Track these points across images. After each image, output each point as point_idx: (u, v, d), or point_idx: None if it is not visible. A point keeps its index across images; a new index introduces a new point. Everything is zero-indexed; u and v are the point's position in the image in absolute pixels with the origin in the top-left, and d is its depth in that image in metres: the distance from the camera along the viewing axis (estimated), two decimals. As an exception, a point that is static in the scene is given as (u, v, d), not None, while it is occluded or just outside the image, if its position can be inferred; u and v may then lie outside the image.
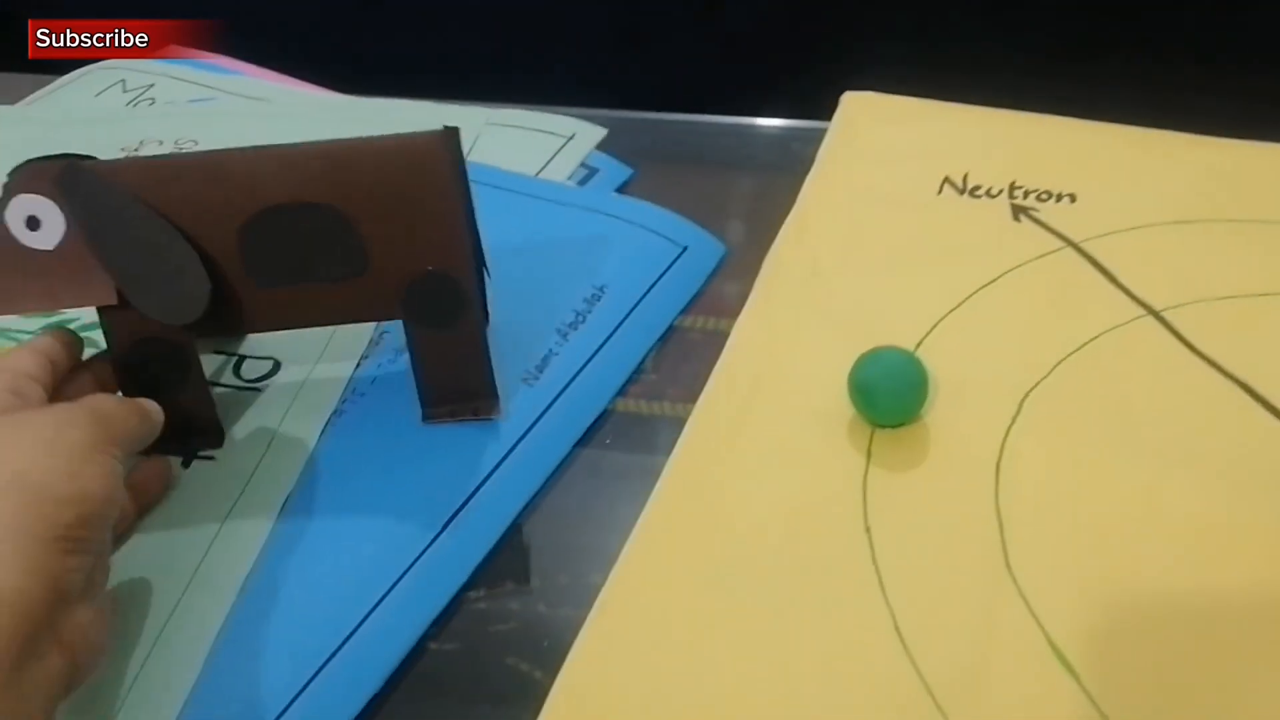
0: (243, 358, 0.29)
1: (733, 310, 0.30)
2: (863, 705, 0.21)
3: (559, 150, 0.38)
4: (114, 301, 0.25)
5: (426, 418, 0.27)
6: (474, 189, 0.35)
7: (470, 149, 0.37)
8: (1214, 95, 0.36)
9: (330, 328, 0.29)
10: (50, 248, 0.24)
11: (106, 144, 0.38)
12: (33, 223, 0.24)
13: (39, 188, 0.24)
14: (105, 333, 0.25)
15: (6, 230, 0.24)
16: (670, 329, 0.31)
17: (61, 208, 0.24)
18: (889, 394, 0.25)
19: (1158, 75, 0.39)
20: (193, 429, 0.26)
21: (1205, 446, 0.25)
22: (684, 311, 0.31)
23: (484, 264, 0.28)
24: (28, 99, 0.44)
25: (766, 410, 0.27)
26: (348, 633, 0.23)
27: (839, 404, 0.26)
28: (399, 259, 0.26)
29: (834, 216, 0.33)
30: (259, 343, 0.29)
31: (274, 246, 0.25)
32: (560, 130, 0.39)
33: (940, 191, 0.34)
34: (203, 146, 0.37)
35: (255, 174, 0.25)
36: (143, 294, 0.24)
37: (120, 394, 0.25)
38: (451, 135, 0.26)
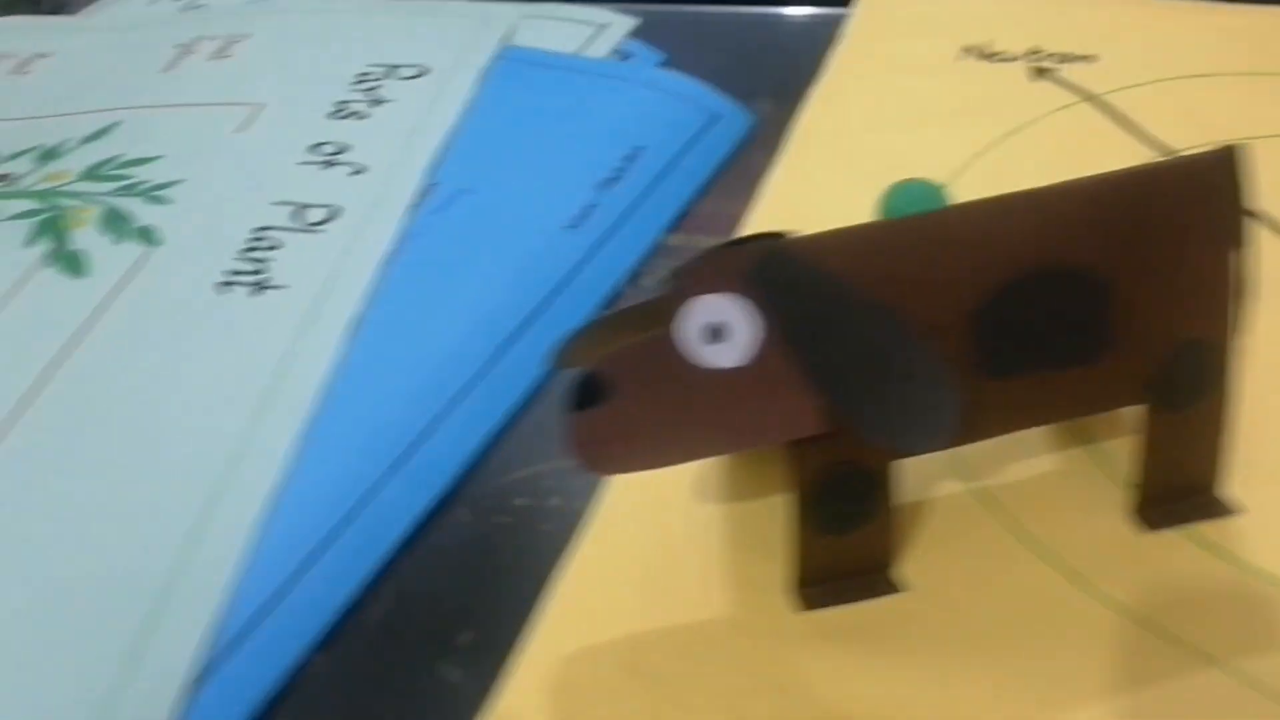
0: (304, 205, 0.31)
1: (758, 177, 0.32)
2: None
3: (593, 38, 0.40)
4: (821, 429, 0.18)
5: (1147, 522, 0.20)
6: (518, 69, 0.37)
7: (508, 40, 0.39)
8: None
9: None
10: (736, 365, 0.17)
11: (160, 45, 0.40)
12: (715, 333, 0.17)
13: (724, 284, 0.17)
14: (792, 462, 0.18)
15: (680, 347, 0.17)
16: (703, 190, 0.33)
17: (755, 309, 0.17)
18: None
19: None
20: (873, 566, 0.20)
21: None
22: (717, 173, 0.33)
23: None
24: (86, 9, 0.46)
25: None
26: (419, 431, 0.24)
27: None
28: (1151, 327, 0.19)
29: (859, 84, 0.35)
30: (323, 191, 0.31)
31: (1013, 326, 0.18)
32: (593, 20, 0.41)
33: (961, 58, 0.35)
34: (256, 41, 0.39)
35: (997, 235, 0.18)
36: (867, 415, 0.18)
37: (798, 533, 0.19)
38: (1232, 157, 0.19)
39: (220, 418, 0.24)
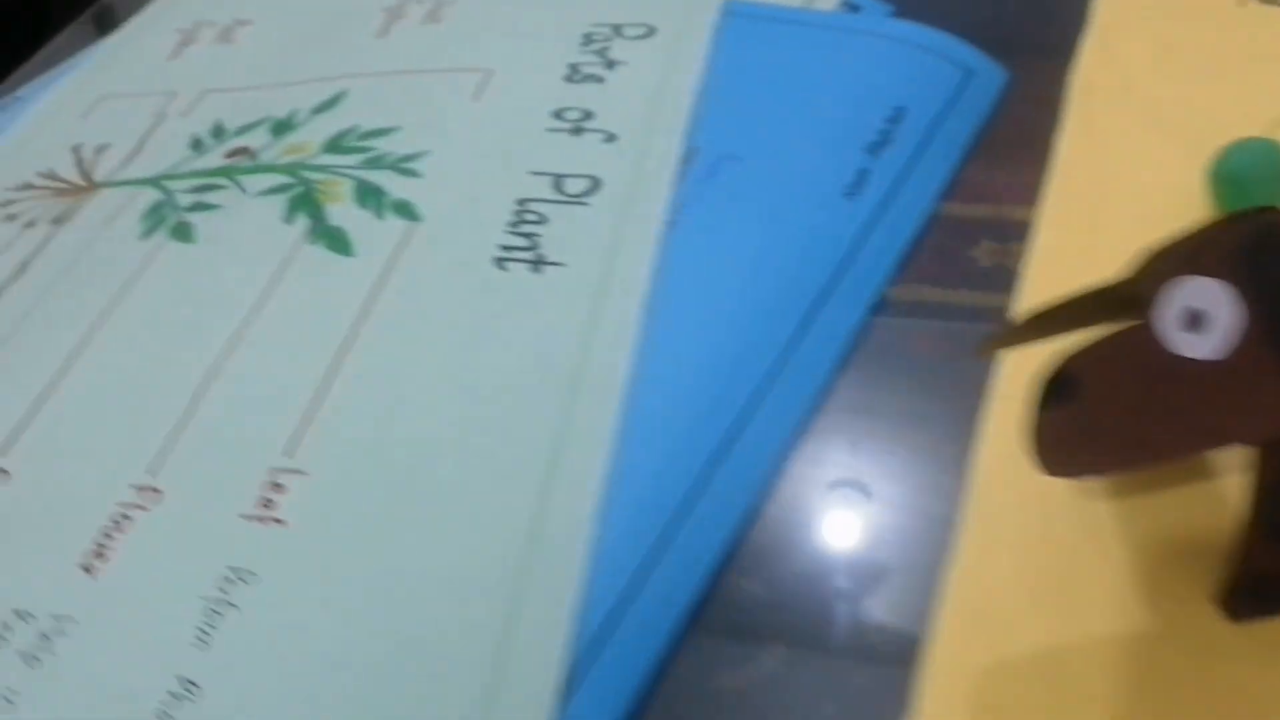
0: (561, 176, 0.29)
1: (1026, 140, 0.30)
2: None
3: (818, -11, 0.38)
4: None
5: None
6: (747, 25, 0.35)
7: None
8: None
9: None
10: (1211, 357, 0.15)
11: (366, 8, 0.39)
12: (1194, 321, 0.15)
13: (1211, 267, 0.15)
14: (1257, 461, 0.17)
15: (1159, 338, 0.15)
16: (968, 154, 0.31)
17: (1240, 295, 0.15)
18: (1260, 182, 0.25)
19: None
20: None
21: None
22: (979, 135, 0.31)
23: None
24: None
25: (1115, 236, 0.26)
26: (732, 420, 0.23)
27: (1193, 209, 0.25)
28: None
29: (1134, 34, 0.32)
30: (578, 160, 0.30)
31: None
32: (818, -31, 0.39)
33: (1242, 2, 0.32)
34: (464, 4, 0.38)
35: None
36: None
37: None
38: None
39: (532, 402, 0.23)
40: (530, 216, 0.28)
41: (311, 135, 0.32)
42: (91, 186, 0.32)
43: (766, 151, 0.30)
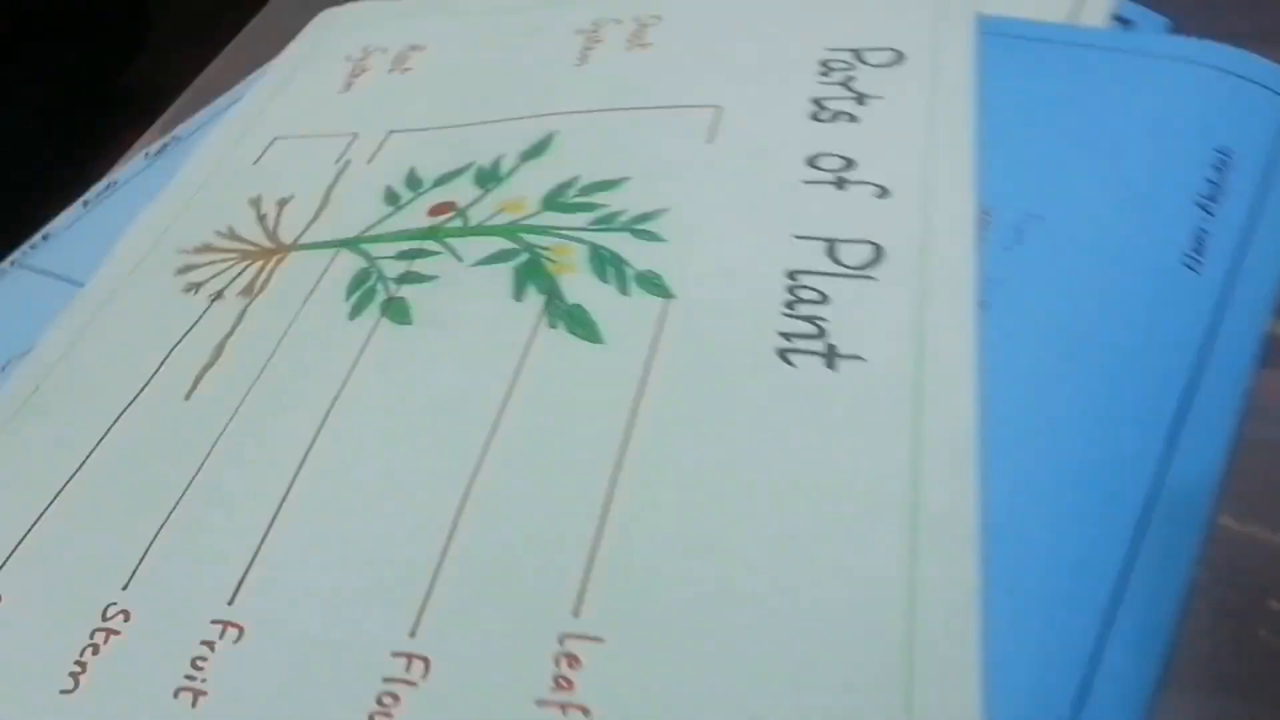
0: (834, 241, 0.25)
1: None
2: None
3: (1078, 3, 0.33)
4: None
5: None
6: (1006, 46, 0.31)
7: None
8: None
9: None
10: None
11: (558, 32, 0.35)
12: None
13: None
14: None
15: None
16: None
17: None
18: None
19: None
20: None
21: None
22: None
23: None
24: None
25: None
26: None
27: None
28: None
29: None
30: (849, 222, 0.25)
31: None
32: (1078, -22, 0.34)
33: None
34: (671, 25, 0.34)
35: None
36: None
37: None
38: None
39: (866, 546, 0.19)
40: (807, 294, 0.24)
41: (525, 188, 0.28)
42: (281, 249, 0.29)
43: (1074, 209, 0.25)
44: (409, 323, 0.25)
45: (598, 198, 0.28)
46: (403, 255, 0.27)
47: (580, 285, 0.25)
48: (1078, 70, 0.29)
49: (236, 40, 0.41)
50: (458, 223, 0.28)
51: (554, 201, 0.28)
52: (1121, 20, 0.32)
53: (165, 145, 0.35)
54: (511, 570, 0.20)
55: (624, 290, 0.25)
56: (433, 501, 0.21)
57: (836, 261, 0.25)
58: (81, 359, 0.27)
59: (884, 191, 0.26)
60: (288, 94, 0.36)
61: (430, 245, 0.27)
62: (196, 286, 0.28)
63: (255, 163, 0.33)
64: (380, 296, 0.26)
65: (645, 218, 0.27)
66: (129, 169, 0.35)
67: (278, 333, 0.26)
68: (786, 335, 0.23)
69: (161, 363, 0.26)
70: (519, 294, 0.25)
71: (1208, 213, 0.25)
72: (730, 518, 0.20)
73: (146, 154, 0.35)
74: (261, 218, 0.30)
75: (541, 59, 0.34)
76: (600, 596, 0.19)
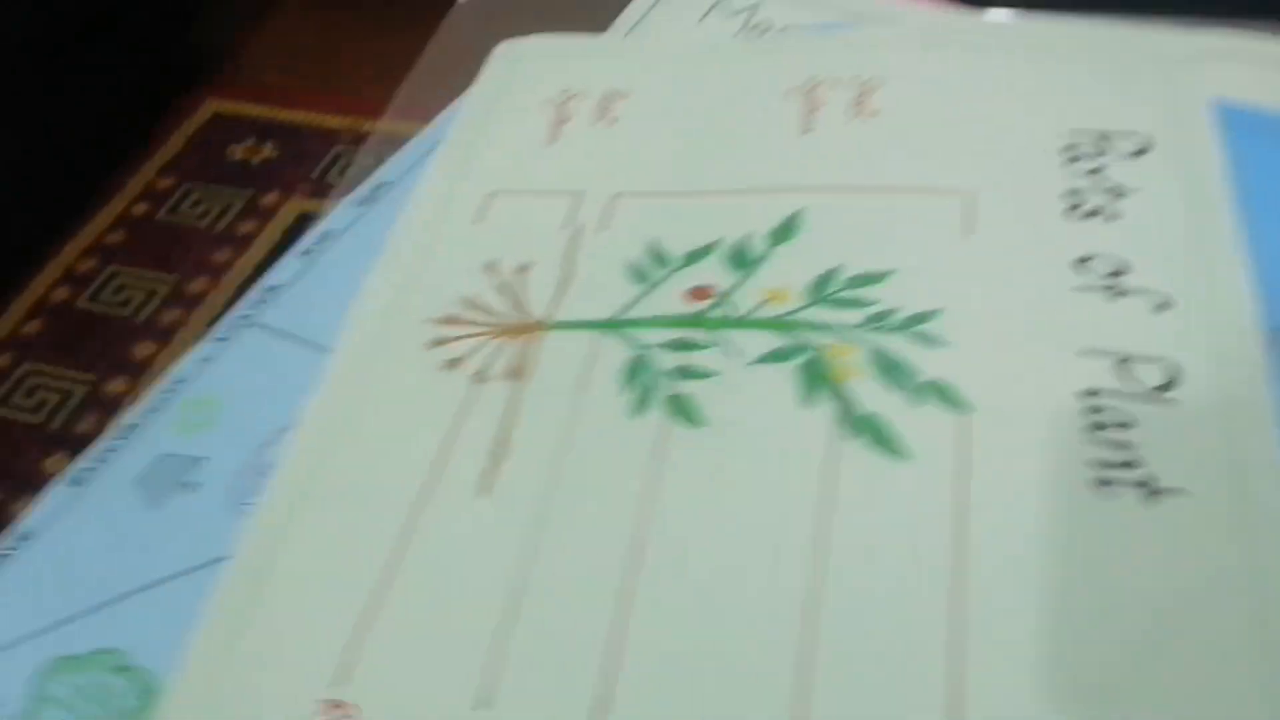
0: (1126, 359, 0.25)
1: None
2: None
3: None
4: None
5: None
6: (1243, 133, 0.31)
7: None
8: None
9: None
10: None
11: (770, 88, 0.34)
12: None
13: None
14: None
15: None
16: None
17: None
18: None
19: None
20: None
21: None
22: None
23: None
24: (615, 25, 0.40)
25: None
26: None
27: None
28: None
29: None
30: (1132, 336, 0.26)
31: None
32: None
33: None
34: (897, 89, 0.33)
35: None
36: None
37: None
38: None
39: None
40: (1111, 417, 0.24)
41: (784, 275, 0.28)
42: (535, 326, 0.29)
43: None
44: (701, 424, 0.26)
45: (865, 292, 0.28)
46: (672, 345, 0.27)
47: (868, 391, 0.26)
48: (1331, 169, 0.29)
49: (411, 74, 0.41)
50: (722, 311, 0.28)
51: (821, 294, 0.28)
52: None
53: (374, 191, 0.35)
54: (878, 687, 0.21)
55: (916, 399, 0.25)
56: (766, 639, 0.22)
57: (1135, 381, 0.25)
58: (353, 443, 0.27)
59: (1165, 303, 0.26)
60: (491, 141, 0.35)
61: (698, 336, 0.27)
62: (454, 363, 0.28)
63: (477, 221, 0.32)
64: (662, 392, 0.26)
65: (921, 318, 0.27)
66: (340, 215, 0.34)
67: (560, 426, 0.26)
68: (1100, 464, 0.23)
69: (444, 451, 0.26)
70: (808, 397, 0.26)
71: None
72: (1081, 645, 0.21)
73: (357, 200, 0.35)
74: (502, 287, 0.30)
75: (761, 122, 0.33)
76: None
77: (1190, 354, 0.25)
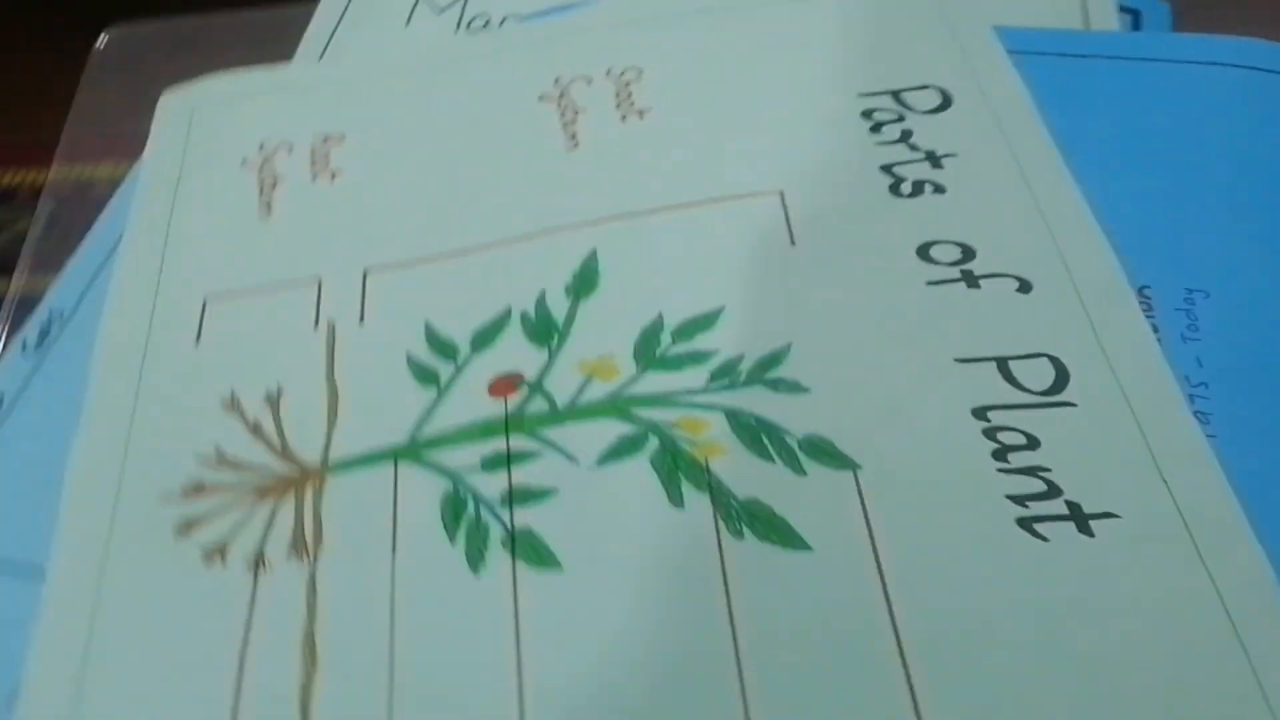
0: (1005, 359, 0.22)
1: None
2: None
3: (1079, 4, 0.31)
4: None
5: None
6: (1039, 67, 0.28)
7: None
8: None
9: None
10: None
11: (519, 101, 0.29)
12: None
13: None
14: None
15: None
16: None
17: None
18: None
19: None
20: None
21: None
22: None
23: None
24: (302, 49, 0.33)
25: None
26: None
27: None
28: None
29: None
30: (1005, 333, 0.22)
31: None
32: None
33: None
34: (649, 76, 0.29)
35: None
36: None
37: None
38: None
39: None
40: (1011, 437, 0.21)
41: (601, 340, 0.24)
42: (309, 473, 0.23)
43: (1232, 279, 0.23)
44: (557, 566, 0.21)
45: (698, 343, 0.23)
46: (490, 464, 0.22)
47: (739, 470, 0.21)
48: (1118, 86, 0.27)
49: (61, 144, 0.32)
50: (540, 404, 0.23)
51: (651, 357, 0.23)
52: (1128, 10, 0.31)
53: (44, 332, 0.27)
54: None
55: (796, 467, 0.21)
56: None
57: (1019, 387, 0.22)
58: (112, 698, 0.20)
59: (1025, 285, 0.23)
60: (186, 228, 0.28)
61: (520, 443, 0.22)
62: (219, 550, 0.22)
63: (197, 343, 0.25)
64: (494, 531, 0.21)
65: (771, 362, 0.23)
66: (6, 370, 0.26)
67: (380, 615, 0.20)
68: (1018, 500, 0.20)
69: (236, 693, 0.20)
70: (675, 497, 0.21)
71: (1343, 253, 0.24)
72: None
73: (24, 346, 0.27)
74: (255, 428, 0.24)
75: (516, 141, 0.28)
76: None
77: (1074, 347, 0.22)
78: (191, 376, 0.25)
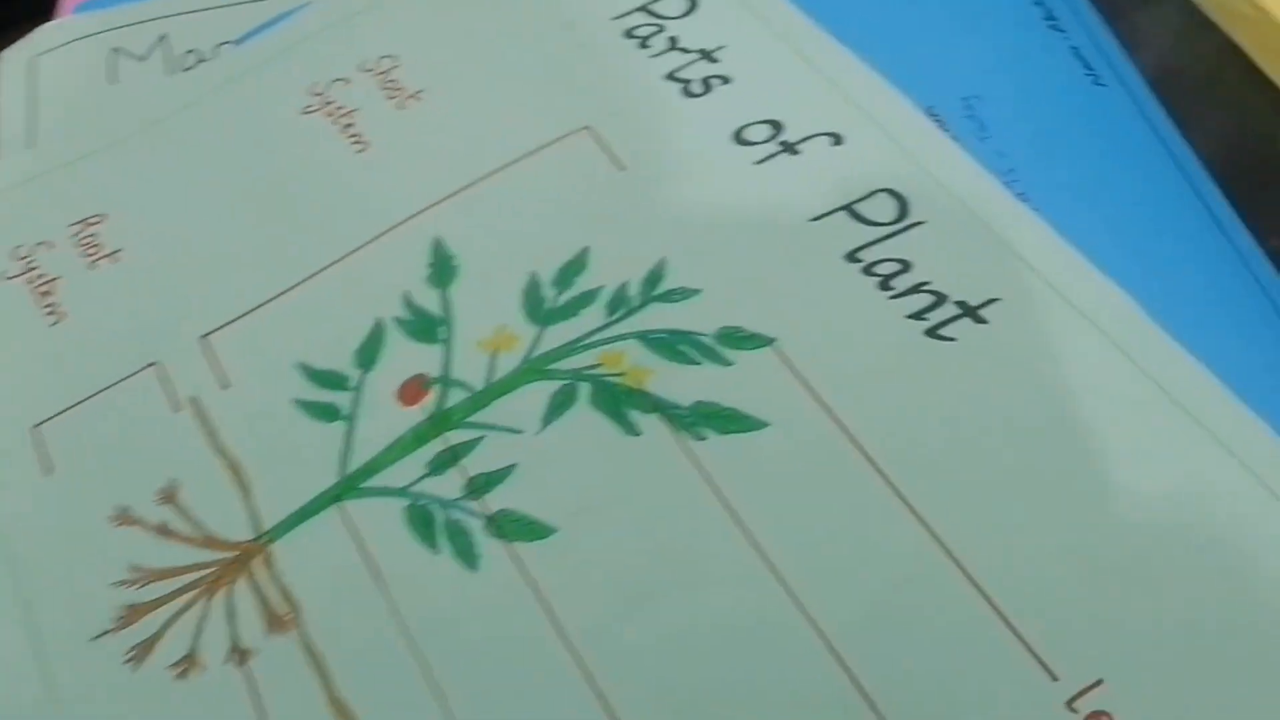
0: (850, 206, 0.24)
1: None
2: None
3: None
4: None
5: None
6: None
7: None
8: None
9: None
10: None
11: (282, 109, 0.27)
12: None
13: None
14: None
15: None
16: None
17: None
18: None
19: None
20: None
21: None
22: None
23: None
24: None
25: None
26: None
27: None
28: None
29: None
30: (848, 181, 0.24)
31: None
32: None
33: None
34: (406, 61, 0.29)
35: None
36: None
37: None
38: None
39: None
40: (886, 269, 0.23)
41: (487, 314, 0.23)
42: (247, 548, 0.21)
43: (991, 76, 0.26)
44: (552, 530, 0.21)
45: (580, 286, 0.24)
46: (438, 465, 0.22)
47: (672, 382, 0.22)
48: None
49: None
50: (459, 394, 0.22)
51: (543, 313, 0.23)
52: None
53: None
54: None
55: (721, 361, 0.22)
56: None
57: (872, 224, 0.24)
58: None
59: (837, 138, 0.25)
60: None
61: (460, 435, 0.22)
62: (189, 661, 0.20)
63: (52, 473, 0.23)
64: (473, 523, 0.21)
65: (655, 279, 0.23)
66: None
67: (397, 645, 0.20)
68: (917, 316, 0.22)
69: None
70: (628, 428, 0.22)
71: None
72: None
73: None
74: (162, 530, 0.22)
75: (301, 161, 0.27)
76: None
77: (894, 172, 0.25)
78: (60, 509, 0.22)
